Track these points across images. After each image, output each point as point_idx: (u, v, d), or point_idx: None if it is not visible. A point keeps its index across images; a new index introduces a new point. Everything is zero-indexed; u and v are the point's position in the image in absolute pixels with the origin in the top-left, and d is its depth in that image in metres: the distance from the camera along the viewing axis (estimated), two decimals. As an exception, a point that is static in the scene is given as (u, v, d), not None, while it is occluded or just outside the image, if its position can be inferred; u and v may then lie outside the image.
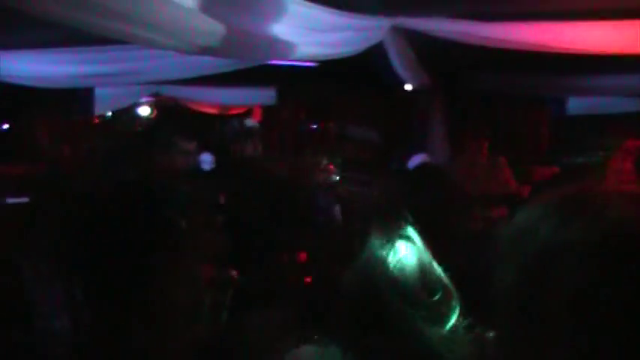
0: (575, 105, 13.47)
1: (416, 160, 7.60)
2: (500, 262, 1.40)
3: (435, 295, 2.53)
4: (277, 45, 5.49)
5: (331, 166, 4.99)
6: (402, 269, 2.61)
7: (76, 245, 1.91)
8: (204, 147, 6.07)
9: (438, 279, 2.55)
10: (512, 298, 1.35)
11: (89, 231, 1.91)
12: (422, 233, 3.31)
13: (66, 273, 1.97)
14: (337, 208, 5.66)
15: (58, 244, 1.98)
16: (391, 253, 2.71)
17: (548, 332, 1.28)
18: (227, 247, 4.43)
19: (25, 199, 7.43)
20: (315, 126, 13.70)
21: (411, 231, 2.81)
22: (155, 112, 14.43)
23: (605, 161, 9.31)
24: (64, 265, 1.97)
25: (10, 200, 8.04)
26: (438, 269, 2.57)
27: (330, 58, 6.43)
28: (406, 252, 2.70)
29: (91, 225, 1.92)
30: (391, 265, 2.64)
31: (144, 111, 14.47)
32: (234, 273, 4.45)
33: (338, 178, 4.96)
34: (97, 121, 12.10)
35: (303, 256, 5.73)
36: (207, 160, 8.87)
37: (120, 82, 9.46)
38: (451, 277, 2.82)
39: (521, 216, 1.38)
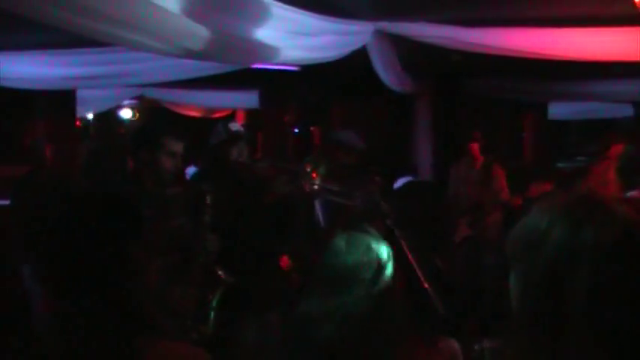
0: (559, 110, 13.56)
1: (401, 182, 7.62)
2: (509, 268, 1.41)
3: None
4: (261, 48, 5.49)
5: (314, 174, 4.98)
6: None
7: (48, 247, 1.95)
8: (190, 153, 6.07)
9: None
10: (526, 302, 1.36)
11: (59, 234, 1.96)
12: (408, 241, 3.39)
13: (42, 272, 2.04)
14: (318, 214, 5.66)
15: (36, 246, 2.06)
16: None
17: (563, 335, 1.28)
18: (216, 247, 4.47)
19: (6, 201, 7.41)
20: (297, 130, 13.71)
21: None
22: (138, 114, 14.40)
23: (588, 167, 9.35)
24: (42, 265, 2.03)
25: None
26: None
27: (313, 62, 6.44)
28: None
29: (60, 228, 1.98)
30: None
31: (126, 114, 14.45)
32: (221, 273, 4.50)
33: (319, 185, 4.95)
34: (79, 123, 12.04)
35: (285, 259, 5.73)
36: (192, 174, 8.87)
37: (103, 85, 9.42)
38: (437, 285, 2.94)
39: (529, 222, 1.39)
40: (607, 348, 1.25)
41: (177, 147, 4.38)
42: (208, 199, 4.39)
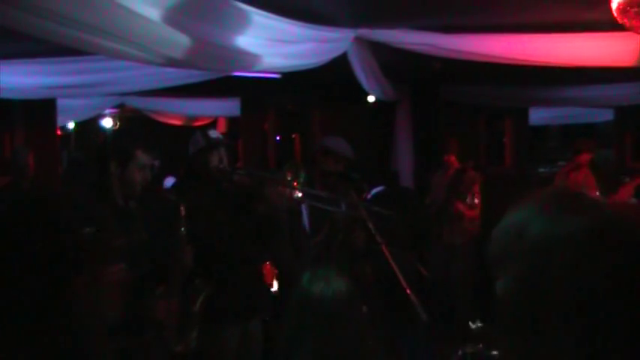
0: (540, 116, 13.63)
1: (375, 191, 7.65)
2: (493, 268, 1.36)
3: None
4: (242, 56, 5.49)
5: (295, 182, 4.99)
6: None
7: None
8: (171, 162, 6.02)
9: None
10: (506, 304, 1.31)
11: None
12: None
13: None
14: (303, 223, 5.65)
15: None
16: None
17: (542, 337, 1.24)
18: (191, 260, 4.44)
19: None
20: (278, 138, 13.69)
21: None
22: (119, 123, 14.34)
23: (558, 172, 9.38)
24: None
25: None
26: None
27: (294, 69, 6.44)
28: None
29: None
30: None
31: (108, 123, 14.37)
32: (198, 282, 4.48)
33: (302, 193, 4.95)
34: (59, 132, 11.97)
35: (267, 267, 5.72)
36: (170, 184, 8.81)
37: (84, 94, 9.39)
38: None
39: (505, 222, 1.35)
40: (587, 347, 1.19)
41: (147, 159, 4.31)
42: (183, 211, 4.34)
